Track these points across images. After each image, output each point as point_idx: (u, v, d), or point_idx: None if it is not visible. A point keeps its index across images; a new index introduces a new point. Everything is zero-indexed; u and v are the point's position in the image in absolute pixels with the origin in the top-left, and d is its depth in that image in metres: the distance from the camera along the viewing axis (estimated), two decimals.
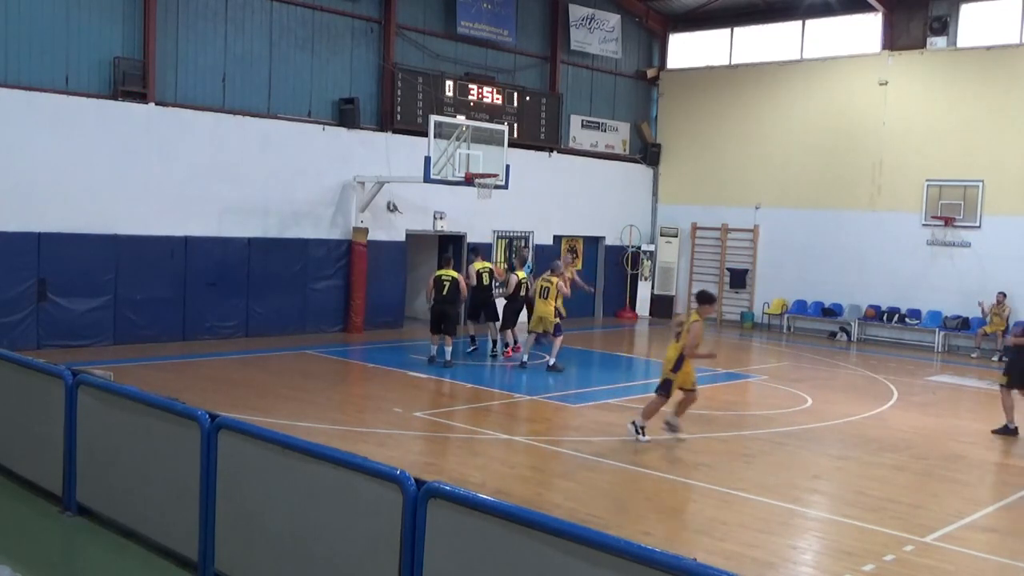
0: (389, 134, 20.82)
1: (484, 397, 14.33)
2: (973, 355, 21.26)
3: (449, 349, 16.33)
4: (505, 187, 19.18)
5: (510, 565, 4.68)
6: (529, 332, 16.87)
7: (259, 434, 6.12)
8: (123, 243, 16.87)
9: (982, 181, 21.66)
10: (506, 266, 20.25)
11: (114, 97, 16.84)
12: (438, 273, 16.61)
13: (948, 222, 22.06)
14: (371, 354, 17.87)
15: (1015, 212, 21.24)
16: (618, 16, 25.85)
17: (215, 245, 18.11)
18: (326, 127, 19.86)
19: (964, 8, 22.51)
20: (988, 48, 21.84)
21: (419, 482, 5.09)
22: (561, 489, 9.37)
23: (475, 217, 22.00)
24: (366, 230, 20.08)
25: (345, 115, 20.04)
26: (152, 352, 16.27)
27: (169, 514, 6.68)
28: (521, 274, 17.82)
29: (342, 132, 20.06)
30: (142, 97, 17.12)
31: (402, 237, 21.22)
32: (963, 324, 21.84)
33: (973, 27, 22.38)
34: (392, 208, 20.74)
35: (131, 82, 16.92)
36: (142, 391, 7.16)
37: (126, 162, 16.94)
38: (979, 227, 21.75)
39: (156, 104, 17.31)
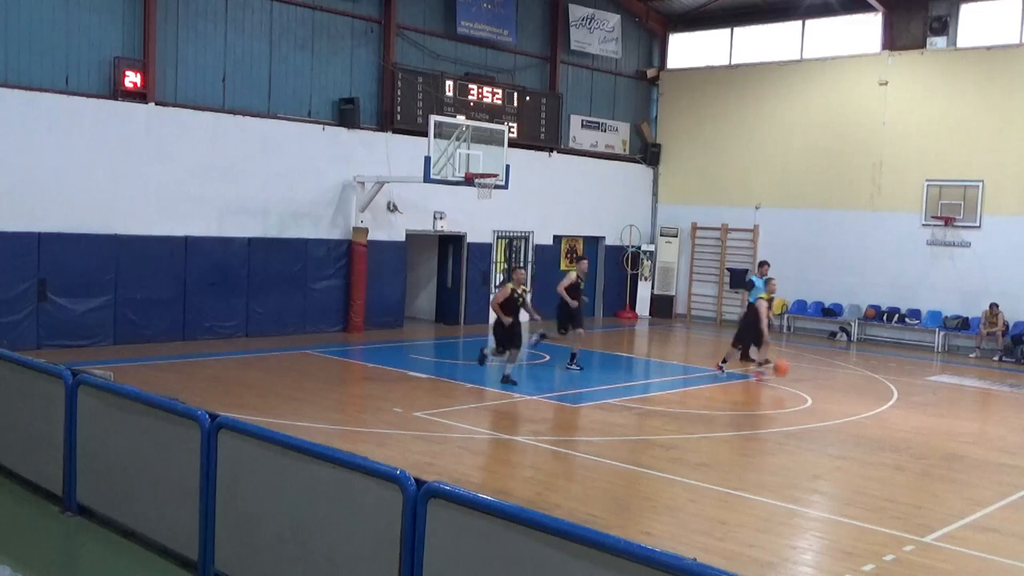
0: (389, 134, 20.82)
1: (484, 397, 14.33)
2: (973, 355, 21.26)
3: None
4: (505, 187, 19.19)
5: (510, 565, 4.68)
6: None
7: (259, 434, 6.12)
8: (123, 243, 16.87)
9: (982, 181, 21.67)
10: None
11: (114, 97, 16.84)
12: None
13: (948, 222, 22.06)
14: (371, 354, 17.88)
15: (1015, 212, 21.25)
16: (618, 16, 25.85)
17: (215, 245, 18.12)
18: (326, 127, 19.86)
19: (964, 8, 22.51)
20: (988, 48, 21.84)
21: (419, 482, 5.09)
22: (561, 489, 9.37)
23: (475, 217, 22.01)
24: (366, 230, 20.08)
25: (345, 115, 20.04)
26: (152, 352, 16.27)
27: (169, 514, 6.68)
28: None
29: (342, 132, 20.07)
30: (142, 97, 17.12)
31: (402, 237, 21.22)
32: (963, 324, 21.84)
33: (973, 27, 22.39)
34: (392, 208, 20.74)
35: (131, 82, 16.92)
36: (142, 391, 7.15)
37: (126, 162, 16.95)
38: (979, 227, 21.75)
39: (156, 104, 17.31)
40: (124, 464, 7.13)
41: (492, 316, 15.47)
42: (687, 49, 27.31)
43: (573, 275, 16.68)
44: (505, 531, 4.68)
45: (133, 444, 7.04)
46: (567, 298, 16.38)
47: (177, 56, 17.72)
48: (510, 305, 14.66)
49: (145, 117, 17.17)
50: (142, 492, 6.95)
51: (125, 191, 16.94)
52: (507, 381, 14.73)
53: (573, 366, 16.74)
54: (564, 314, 16.58)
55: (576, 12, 24.81)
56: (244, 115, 18.60)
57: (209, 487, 6.26)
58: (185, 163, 17.68)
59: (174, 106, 17.59)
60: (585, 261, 17.74)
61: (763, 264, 19.16)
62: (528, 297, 15.30)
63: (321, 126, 19.79)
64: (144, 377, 12.98)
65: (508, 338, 14.77)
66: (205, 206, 17.98)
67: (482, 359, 15.58)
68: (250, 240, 18.63)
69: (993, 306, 20.97)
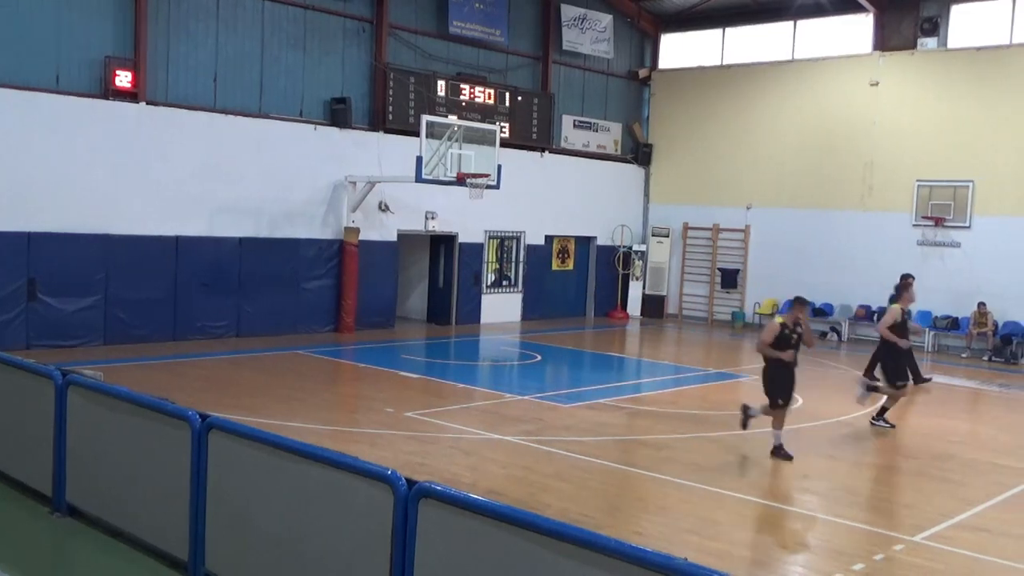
0: (381, 134, 20.80)
1: (475, 397, 14.33)
2: (963, 355, 21.33)
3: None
4: (497, 187, 19.19)
5: (502, 565, 4.68)
6: None
7: (250, 434, 6.11)
8: (114, 243, 16.81)
9: (972, 181, 21.75)
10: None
11: (105, 96, 16.78)
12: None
13: (938, 222, 22.13)
14: (362, 354, 17.86)
15: (1005, 212, 21.32)
16: (610, 16, 25.87)
17: (206, 245, 18.07)
18: (318, 127, 19.83)
19: (954, 9, 22.59)
20: (978, 49, 21.92)
21: (410, 482, 5.09)
22: (553, 489, 9.37)
23: (467, 217, 22.00)
24: (357, 230, 20.06)
25: (337, 115, 20.01)
26: (143, 352, 16.22)
27: (159, 514, 6.66)
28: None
29: (334, 132, 20.04)
30: (133, 97, 17.06)
31: (394, 237, 21.20)
32: (953, 324, 21.91)
33: (963, 28, 22.47)
34: (383, 208, 20.72)
35: (122, 81, 16.86)
36: (132, 391, 7.14)
37: (117, 162, 16.89)
38: (969, 227, 21.82)
39: (147, 104, 17.26)
40: (114, 464, 7.11)
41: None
42: (679, 49, 27.34)
43: (897, 309, 12.79)
44: (496, 531, 4.68)
45: (123, 444, 7.02)
46: (895, 340, 12.73)
47: (168, 55, 17.67)
48: (780, 345, 11.08)
49: (136, 117, 17.12)
50: (132, 492, 6.93)
51: (116, 191, 16.88)
52: (780, 454, 11.02)
53: (881, 422, 13.02)
54: (893, 360, 12.85)
55: (568, 12, 24.82)
56: (236, 115, 18.55)
57: (199, 487, 6.25)
58: (176, 163, 17.64)
59: (165, 106, 17.54)
60: (912, 284, 13.25)
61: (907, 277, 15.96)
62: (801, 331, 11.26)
63: (313, 126, 19.75)
64: (135, 377, 12.93)
65: (780, 387, 11.14)
66: (196, 206, 17.94)
67: (746, 421, 11.57)
68: (241, 240, 18.59)
69: (981, 305, 21.05)
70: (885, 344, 12.96)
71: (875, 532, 8.59)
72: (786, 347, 11.00)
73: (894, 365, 12.90)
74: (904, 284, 13.61)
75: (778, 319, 11.30)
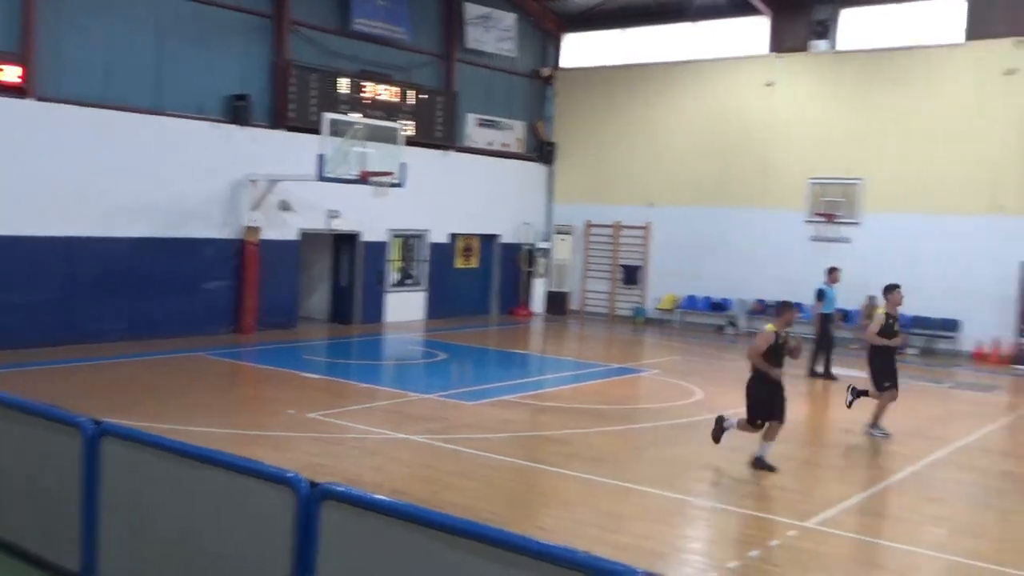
0: (282, 131, 20.47)
1: (379, 396, 14.26)
2: (852, 346, 22.11)
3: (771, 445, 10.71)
4: (401, 186, 19.10)
5: (406, 564, 4.69)
6: None
7: (146, 440, 5.97)
8: (1, 245, 16.14)
9: (861, 179, 22.60)
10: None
11: None
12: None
13: (830, 219, 22.93)
14: (263, 355, 17.58)
15: (892, 209, 22.22)
16: (514, 15, 25.99)
17: (101, 245, 17.50)
18: (217, 124, 19.38)
19: (844, 13, 23.44)
20: (867, 51, 22.80)
21: (313, 484, 5.06)
22: (458, 487, 9.40)
23: (370, 215, 21.83)
24: (258, 229, 19.71)
25: (237, 112, 19.60)
26: (34, 357, 15.60)
27: (50, 525, 6.44)
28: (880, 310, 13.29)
29: (233, 129, 19.61)
30: (21, 92, 16.40)
31: (295, 236, 20.90)
32: (844, 317, 22.68)
33: (853, 31, 23.35)
34: (284, 207, 20.38)
35: (9, 76, 16.19)
36: (19, 397, 6.89)
37: (3, 160, 16.20)
38: (858, 224, 22.68)
39: (37, 100, 16.62)
40: (0, 474, 6.85)
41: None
42: (581, 49, 27.67)
43: (882, 315, 12.92)
44: (401, 530, 4.69)
45: (9, 453, 6.77)
46: (884, 342, 12.83)
47: (59, 50, 17.03)
48: (773, 355, 10.52)
49: (25, 113, 16.46)
50: (20, 503, 6.69)
51: (2, 191, 16.20)
52: (762, 466, 10.50)
53: (877, 431, 12.65)
54: (880, 363, 12.92)
55: (472, 11, 24.84)
56: (131, 111, 17.99)
57: (91, 496, 6.07)
58: (68, 161, 17.00)
59: (56, 102, 16.91)
60: (899, 290, 13.19)
61: (833, 270, 17.99)
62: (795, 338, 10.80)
63: (212, 123, 19.30)
64: (25, 383, 12.48)
65: (770, 403, 10.62)
66: (90, 205, 17.34)
67: (719, 434, 10.99)
68: (138, 240, 18.06)
69: (871, 299, 21.84)
70: (873, 348, 12.97)
71: (770, 519, 8.88)
72: (777, 357, 10.52)
73: (880, 368, 12.92)
74: (887, 288, 13.52)
75: (770, 326, 10.63)
